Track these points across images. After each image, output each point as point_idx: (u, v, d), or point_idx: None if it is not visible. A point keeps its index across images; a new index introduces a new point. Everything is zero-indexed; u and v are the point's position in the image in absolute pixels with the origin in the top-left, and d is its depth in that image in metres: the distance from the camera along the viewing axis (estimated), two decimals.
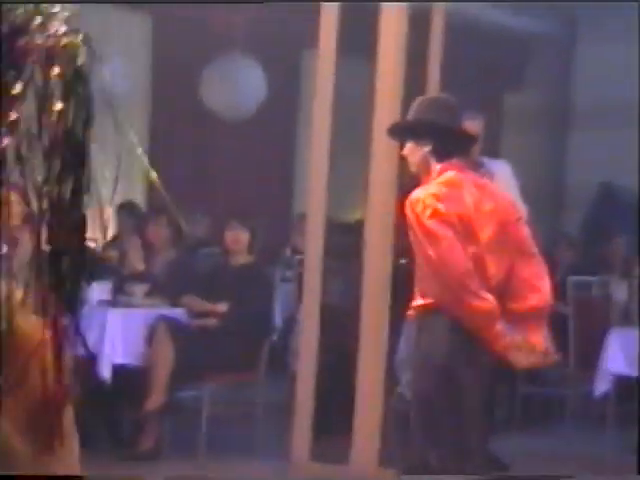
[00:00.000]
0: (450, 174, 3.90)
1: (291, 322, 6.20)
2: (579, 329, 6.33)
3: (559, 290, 6.02)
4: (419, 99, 4.17)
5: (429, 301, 3.85)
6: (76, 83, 0.63)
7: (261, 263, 6.10)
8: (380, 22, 5.11)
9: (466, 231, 3.82)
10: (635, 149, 7.97)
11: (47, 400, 0.66)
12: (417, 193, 3.83)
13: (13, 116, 0.60)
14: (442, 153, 3.95)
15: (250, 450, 5.75)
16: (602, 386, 5.83)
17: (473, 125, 5.04)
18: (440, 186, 3.84)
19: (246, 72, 6.73)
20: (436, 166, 3.93)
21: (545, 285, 3.90)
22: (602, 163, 8.55)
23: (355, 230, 5.71)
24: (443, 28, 5.14)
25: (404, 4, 5.12)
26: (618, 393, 5.97)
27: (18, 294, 0.64)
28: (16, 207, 0.64)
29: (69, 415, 0.73)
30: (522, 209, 5.18)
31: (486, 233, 3.90)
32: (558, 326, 5.88)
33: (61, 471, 0.72)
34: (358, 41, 5.13)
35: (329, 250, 5.36)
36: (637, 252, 6.88)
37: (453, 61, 5.46)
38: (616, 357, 5.86)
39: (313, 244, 5.48)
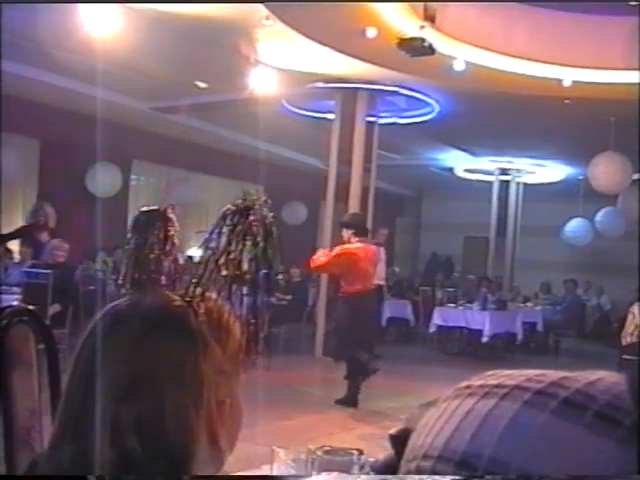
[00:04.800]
0: (358, 244, 7.70)
1: (314, 304, 12.28)
2: (424, 307, 13.63)
3: (416, 292, 13.81)
4: (350, 213, 9.27)
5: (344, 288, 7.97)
6: (270, 234, 0.95)
7: (303, 280, 13.04)
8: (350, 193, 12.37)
9: (357, 259, 7.63)
10: (450, 247, 16.93)
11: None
12: (346, 247, 7.82)
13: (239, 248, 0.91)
14: (357, 235, 7.72)
15: (299, 351, 11.28)
16: (432, 328, 12.74)
17: (384, 232, 11.84)
18: (354, 246, 7.69)
19: (303, 211, 15.10)
20: (353, 239, 7.69)
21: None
22: (434, 245, 17.84)
23: None
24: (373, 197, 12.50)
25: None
26: (438, 333, 12.97)
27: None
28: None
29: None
30: (383, 255, 11.49)
31: (367, 260, 7.82)
32: (419, 305, 13.47)
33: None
34: (341, 195, 11.83)
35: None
36: (444, 277, 15.04)
37: (375, 204, 12.38)
38: (437, 317, 12.65)
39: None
